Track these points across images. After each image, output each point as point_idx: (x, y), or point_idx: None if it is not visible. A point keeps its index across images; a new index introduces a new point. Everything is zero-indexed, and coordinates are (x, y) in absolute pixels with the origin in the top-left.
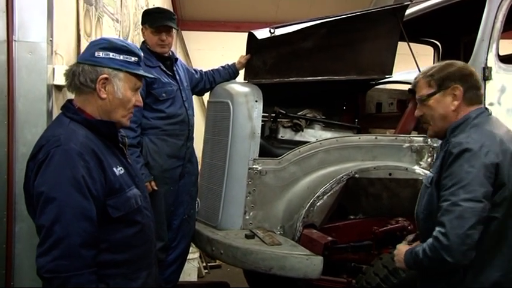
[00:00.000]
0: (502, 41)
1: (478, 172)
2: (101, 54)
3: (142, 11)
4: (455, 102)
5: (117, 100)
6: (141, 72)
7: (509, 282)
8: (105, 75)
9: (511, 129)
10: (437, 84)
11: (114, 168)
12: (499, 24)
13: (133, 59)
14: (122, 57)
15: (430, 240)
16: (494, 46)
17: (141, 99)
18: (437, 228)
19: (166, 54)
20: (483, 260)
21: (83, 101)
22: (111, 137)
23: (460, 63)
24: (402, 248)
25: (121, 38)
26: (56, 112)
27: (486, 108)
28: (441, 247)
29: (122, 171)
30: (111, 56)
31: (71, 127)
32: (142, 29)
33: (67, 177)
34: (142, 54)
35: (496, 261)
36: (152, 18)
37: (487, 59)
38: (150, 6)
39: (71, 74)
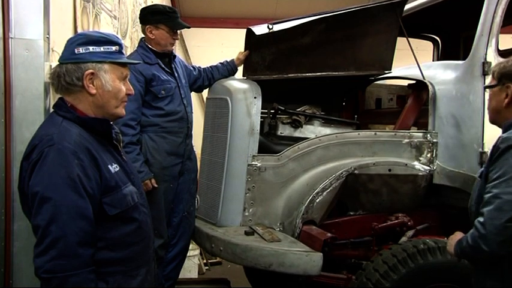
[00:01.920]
0: (501, 36)
1: None
2: (81, 50)
3: (147, 8)
4: (506, 100)
5: (108, 93)
6: (125, 59)
7: None
8: (90, 71)
9: None
10: (497, 78)
11: (109, 166)
12: (498, 19)
13: (113, 48)
14: (102, 48)
15: (472, 229)
16: (493, 41)
17: (131, 87)
18: (478, 218)
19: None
20: None
21: (74, 100)
22: (105, 134)
23: None
24: (454, 237)
25: (97, 30)
26: None
27: None
28: (479, 236)
29: (117, 169)
30: (91, 49)
31: (64, 125)
32: (148, 28)
33: (62, 176)
34: (122, 42)
35: None
36: (170, 19)
37: (486, 54)
38: (149, 3)
39: (55, 77)
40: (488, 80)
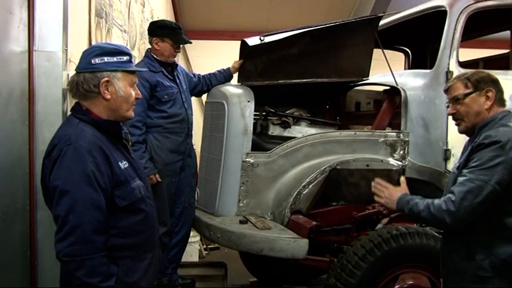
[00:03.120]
0: (461, 50)
1: (500, 162)
2: (97, 60)
3: (156, 22)
4: (488, 102)
5: (120, 98)
6: (135, 68)
7: None
8: (105, 79)
9: None
10: (473, 85)
11: (119, 163)
12: (458, 35)
13: (125, 58)
14: (115, 58)
15: (436, 200)
16: (454, 53)
17: (139, 92)
18: (448, 195)
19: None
20: (506, 238)
21: (90, 104)
22: (116, 134)
23: (486, 71)
24: (394, 192)
25: (109, 42)
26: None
27: (510, 112)
28: (446, 211)
29: (126, 165)
30: (106, 60)
31: (80, 127)
32: (155, 40)
33: (78, 172)
34: (131, 52)
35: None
36: (175, 34)
37: (449, 64)
38: (155, 19)
39: (74, 84)
40: None
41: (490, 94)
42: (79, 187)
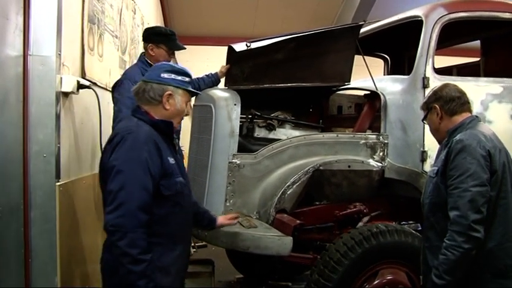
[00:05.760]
0: (436, 57)
1: (479, 162)
2: (165, 75)
3: (151, 28)
4: (438, 117)
5: (177, 111)
6: (194, 90)
7: (501, 251)
8: (169, 92)
9: None
10: (426, 107)
11: (168, 158)
12: (433, 43)
13: (187, 79)
14: (180, 77)
15: (447, 239)
16: (430, 60)
17: (190, 109)
18: (453, 213)
19: None
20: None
21: (150, 109)
22: (168, 134)
23: (441, 87)
24: None
25: (173, 63)
26: (64, 115)
27: (477, 116)
28: (465, 227)
29: (173, 162)
30: (173, 77)
31: (139, 123)
32: (150, 46)
33: (134, 156)
34: (192, 75)
35: (490, 234)
36: (170, 40)
37: (425, 71)
38: (146, 25)
39: (141, 91)
40: (427, 91)
41: (436, 110)
42: (133, 169)
